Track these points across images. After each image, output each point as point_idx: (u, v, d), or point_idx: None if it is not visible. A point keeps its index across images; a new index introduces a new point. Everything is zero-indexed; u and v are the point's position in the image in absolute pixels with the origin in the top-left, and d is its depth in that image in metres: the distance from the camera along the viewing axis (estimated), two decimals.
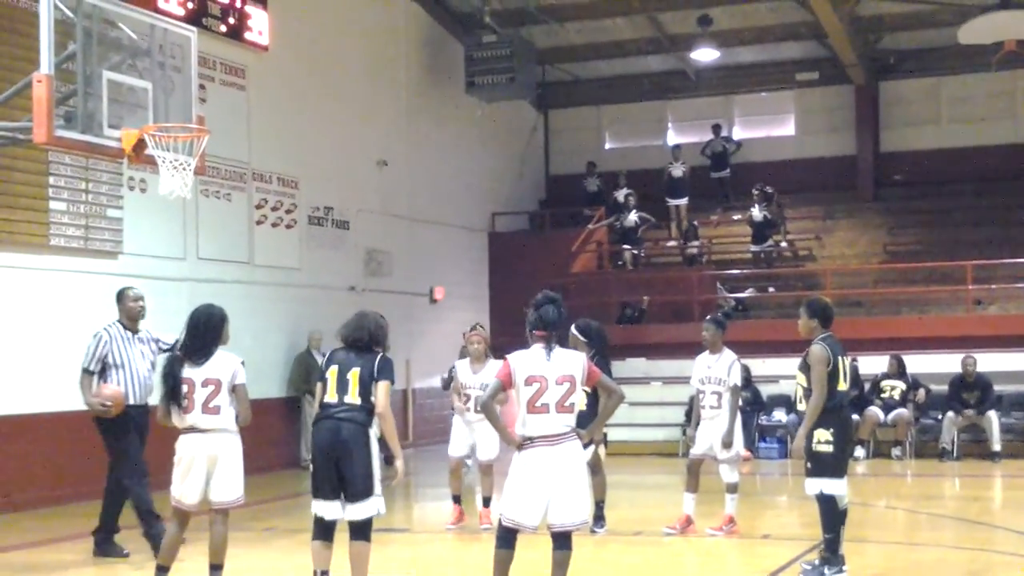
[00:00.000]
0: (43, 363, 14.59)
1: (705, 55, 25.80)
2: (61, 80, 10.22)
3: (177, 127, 10.72)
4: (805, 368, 9.24)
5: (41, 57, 9.89)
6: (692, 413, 12.07)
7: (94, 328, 15.11)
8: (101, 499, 10.93)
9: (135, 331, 10.94)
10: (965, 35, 21.49)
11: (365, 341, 8.20)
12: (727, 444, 11.38)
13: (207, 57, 16.66)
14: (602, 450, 11.71)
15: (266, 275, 18.64)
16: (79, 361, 14.88)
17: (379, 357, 8.18)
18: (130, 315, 11.06)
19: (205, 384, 8.33)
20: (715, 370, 11.55)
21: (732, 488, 11.50)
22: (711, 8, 24.01)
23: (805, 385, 9.22)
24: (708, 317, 11.95)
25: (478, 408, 12.00)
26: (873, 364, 19.50)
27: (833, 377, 9.13)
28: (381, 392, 8.09)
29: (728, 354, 11.59)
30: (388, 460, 8.35)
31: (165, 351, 10.68)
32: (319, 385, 8.28)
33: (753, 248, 25.01)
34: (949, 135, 26.33)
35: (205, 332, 8.47)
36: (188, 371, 8.34)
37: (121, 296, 11.21)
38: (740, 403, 11.80)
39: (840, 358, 9.19)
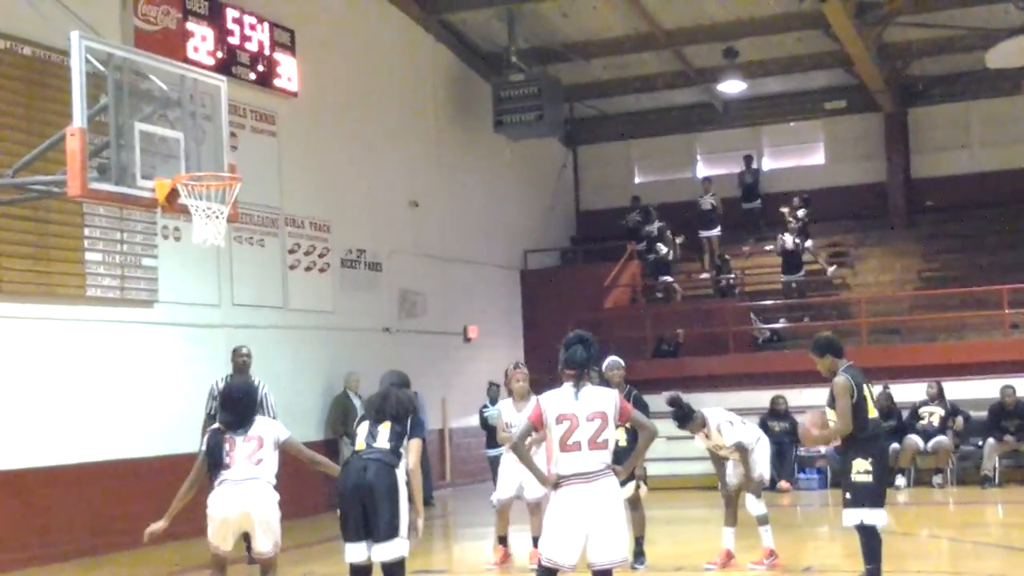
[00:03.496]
0: (82, 414, 14.69)
1: (732, 87, 25.83)
2: (94, 132, 10.36)
3: (209, 176, 10.82)
4: (832, 402, 9.22)
5: (74, 111, 10.03)
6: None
7: (132, 376, 15.37)
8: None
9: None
10: (992, 59, 21.46)
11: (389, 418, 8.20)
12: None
13: (237, 105, 16.81)
14: (643, 488, 11.66)
15: (301, 319, 18.73)
16: (117, 410, 15.09)
17: (411, 416, 8.20)
18: (237, 368, 13.27)
19: (247, 440, 8.35)
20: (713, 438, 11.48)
21: (762, 520, 11.41)
22: (736, 40, 24.02)
23: (835, 420, 9.21)
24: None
25: None
26: (910, 391, 19.37)
27: (862, 407, 9.10)
28: (412, 450, 8.11)
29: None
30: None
31: None
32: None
33: (784, 278, 24.91)
34: (980, 159, 26.23)
35: (244, 405, 8.54)
36: (229, 435, 8.38)
37: (234, 353, 13.54)
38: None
39: (865, 386, 9.17)
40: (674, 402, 11.46)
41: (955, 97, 26.12)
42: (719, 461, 11.67)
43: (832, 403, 9.24)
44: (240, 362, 13.37)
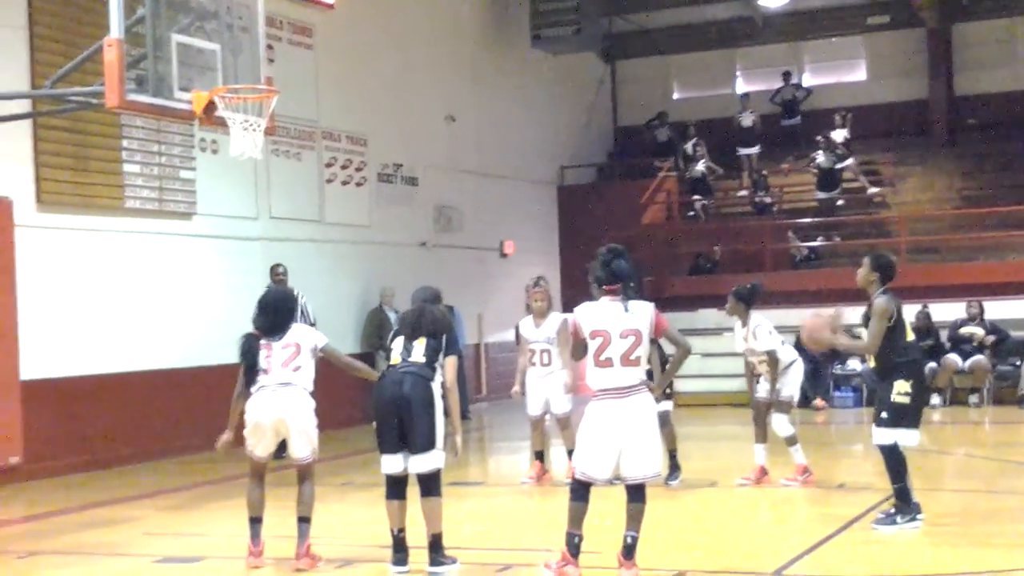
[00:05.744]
0: (120, 324, 14.83)
1: (773, 1, 25.45)
2: (131, 44, 10.31)
3: (246, 88, 10.78)
4: (867, 321, 9.19)
5: (111, 21, 9.98)
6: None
7: (170, 288, 15.49)
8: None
9: None
10: None
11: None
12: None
13: (274, 17, 16.71)
14: (670, 404, 11.69)
15: (337, 233, 18.77)
16: (155, 321, 15.23)
17: (446, 332, 8.23)
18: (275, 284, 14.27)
19: (285, 347, 8.42)
20: (750, 340, 11.46)
21: (790, 441, 11.42)
22: None
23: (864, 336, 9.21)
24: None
25: (544, 362, 12.06)
26: (948, 311, 19.28)
27: (900, 332, 9.11)
28: (449, 367, 8.14)
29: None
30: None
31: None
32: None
33: (819, 195, 24.65)
34: None
35: (281, 312, 8.57)
36: (265, 340, 8.44)
37: (271, 271, 15.08)
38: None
39: (902, 312, 9.15)
40: (754, 287, 11.50)
41: (1000, 13, 25.68)
42: (752, 375, 11.66)
43: (867, 322, 9.22)
44: (276, 279, 14.56)
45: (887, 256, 9.54)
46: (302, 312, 14.28)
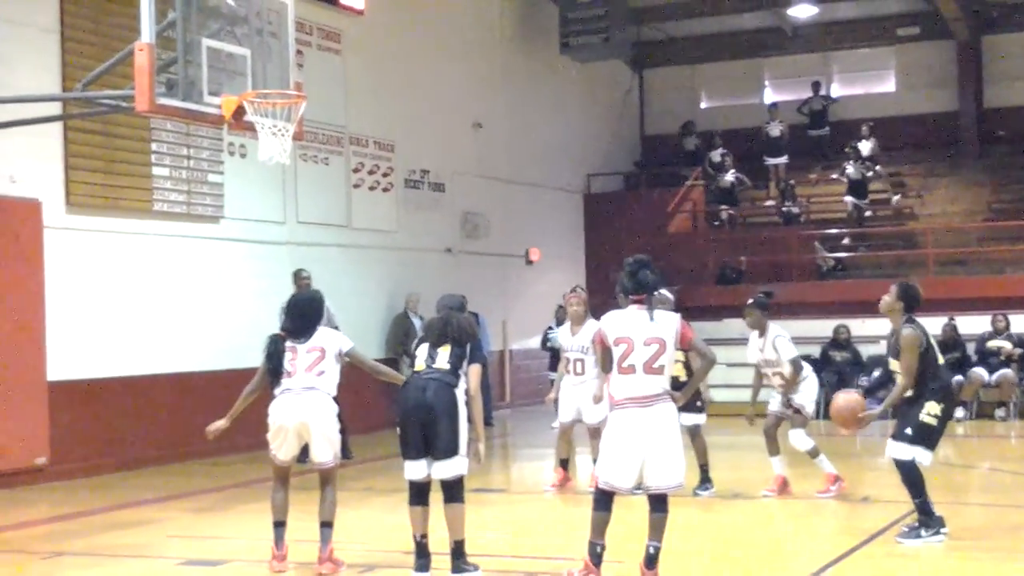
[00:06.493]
0: (148, 327, 14.89)
1: (802, 11, 25.43)
2: (162, 48, 10.38)
3: (275, 93, 10.82)
4: (896, 353, 9.14)
5: (142, 26, 10.05)
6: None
7: (197, 291, 15.56)
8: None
9: None
10: None
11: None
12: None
13: (304, 22, 16.77)
14: (703, 417, 11.68)
15: (364, 238, 18.81)
16: (182, 324, 15.29)
17: (471, 340, 8.23)
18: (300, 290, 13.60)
19: (310, 351, 8.46)
20: (766, 352, 11.44)
21: (813, 453, 11.38)
22: None
23: (899, 371, 9.14)
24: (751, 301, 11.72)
25: (578, 371, 12.03)
26: (975, 324, 19.18)
27: (933, 356, 9.10)
28: (473, 375, 8.14)
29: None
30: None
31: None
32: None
33: (849, 199, 24.47)
34: None
35: (308, 315, 8.63)
36: (291, 343, 8.49)
37: (295, 276, 14.85)
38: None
39: (931, 337, 9.14)
40: (768, 293, 11.77)
41: None
42: (758, 387, 11.63)
43: (894, 352, 9.18)
44: (302, 284, 14.16)
45: (914, 287, 9.48)
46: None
